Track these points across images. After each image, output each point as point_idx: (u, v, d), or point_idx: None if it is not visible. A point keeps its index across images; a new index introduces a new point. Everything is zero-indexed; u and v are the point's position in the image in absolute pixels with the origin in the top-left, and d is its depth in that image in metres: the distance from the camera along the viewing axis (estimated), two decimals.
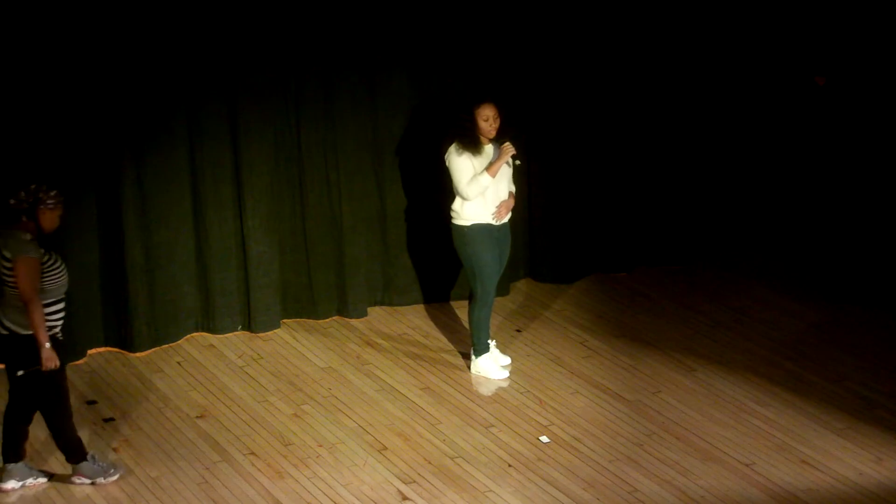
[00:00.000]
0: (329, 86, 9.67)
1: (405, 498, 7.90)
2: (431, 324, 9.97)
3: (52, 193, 7.59)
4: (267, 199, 9.72)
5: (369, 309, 10.12)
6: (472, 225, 8.97)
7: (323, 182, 9.82)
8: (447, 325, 9.94)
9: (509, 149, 8.90)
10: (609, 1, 10.17)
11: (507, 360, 9.29)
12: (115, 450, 8.35)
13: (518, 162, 9.01)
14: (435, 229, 9.92)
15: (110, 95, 9.14)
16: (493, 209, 8.96)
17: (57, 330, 7.74)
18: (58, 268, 7.68)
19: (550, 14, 10.05)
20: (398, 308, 10.17)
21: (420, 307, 10.17)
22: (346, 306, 10.03)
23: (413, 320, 10.02)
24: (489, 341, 9.22)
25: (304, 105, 9.66)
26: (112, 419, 8.71)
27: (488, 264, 9.01)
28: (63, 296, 7.75)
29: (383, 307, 10.18)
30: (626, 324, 9.92)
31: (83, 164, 9.16)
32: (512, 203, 9.08)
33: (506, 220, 9.07)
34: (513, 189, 9.13)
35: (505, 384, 9.14)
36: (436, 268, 10.16)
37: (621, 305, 10.19)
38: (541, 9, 10.02)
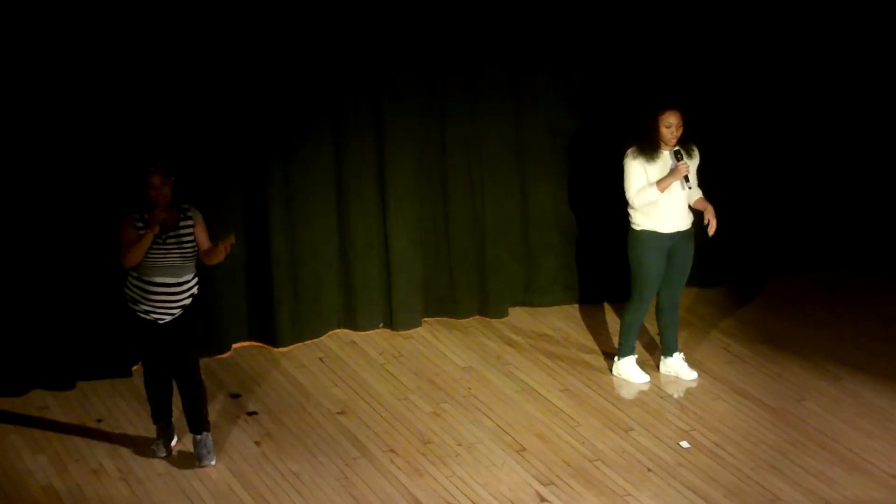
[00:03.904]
0: (473, 85, 9.67)
1: (543, 499, 7.87)
2: (572, 325, 9.93)
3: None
4: (410, 198, 9.76)
5: (510, 309, 10.11)
6: (642, 231, 8.87)
7: (466, 181, 9.83)
8: (588, 326, 9.89)
9: (684, 168, 8.72)
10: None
11: (693, 374, 9.14)
12: (257, 443, 8.45)
13: (690, 186, 8.81)
14: (578, 230, 9.88)
15: (261, 98, 9.26)
16: (666, 218, 8.80)
17: (157, 315, 7.96)
18: (160, 248, 7.89)
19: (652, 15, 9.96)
20: (539, 309, 10.14)
21: (561, 308, 10.13)
22: (486, 306, 10.03)
23: (553, 321, 9.99)
24: (677, 352, 9.14)
25: (449, 105, 9.68)
26: (255, 413, 8.82)
27: (649, 271, 8.89)
28: (161, 280, 7.90)
29: (524, 307, 10.16)
30: (770, 329, 9.78)
31: (232, 162, 9.29)
32: (710, 207, 8.84)
33: (684, 228, 8.86)
34: (700, 193, 8.94)
35: (646, 388, 9.07)
36: (578, 269, 10.11)
37: (766, 311, 10.05)
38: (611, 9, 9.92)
